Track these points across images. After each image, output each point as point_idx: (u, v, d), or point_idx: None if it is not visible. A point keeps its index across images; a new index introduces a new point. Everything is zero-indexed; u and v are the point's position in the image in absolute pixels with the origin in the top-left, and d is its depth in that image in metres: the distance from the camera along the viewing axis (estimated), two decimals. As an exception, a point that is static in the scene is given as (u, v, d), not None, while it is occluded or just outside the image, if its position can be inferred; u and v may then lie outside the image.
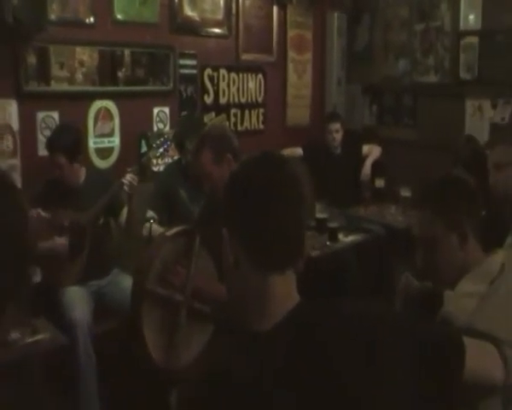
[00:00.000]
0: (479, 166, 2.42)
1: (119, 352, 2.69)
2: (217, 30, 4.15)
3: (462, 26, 4.53)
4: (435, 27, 4.69)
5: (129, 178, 2.80)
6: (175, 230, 2.09)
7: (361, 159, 4.26)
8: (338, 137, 4.24)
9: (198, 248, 1.97)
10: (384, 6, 4.95)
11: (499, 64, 4.34)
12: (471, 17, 4.50)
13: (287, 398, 0.92)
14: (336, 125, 4.24)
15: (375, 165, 4.25)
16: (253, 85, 4.40)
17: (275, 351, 0.96)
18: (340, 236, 3.36)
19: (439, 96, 4.58)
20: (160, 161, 3.79)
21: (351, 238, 3.40)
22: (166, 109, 3.91)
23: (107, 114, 3.60)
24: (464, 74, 4.53)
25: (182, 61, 3.95)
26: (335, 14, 4.97)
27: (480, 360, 1.20)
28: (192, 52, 4.00)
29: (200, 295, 1.95)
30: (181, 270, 1.99)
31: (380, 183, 4.05)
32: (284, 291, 1.00)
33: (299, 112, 4.77)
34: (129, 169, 2.88)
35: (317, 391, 0.93)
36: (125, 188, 2.81)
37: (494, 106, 4.40)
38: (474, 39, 4.47)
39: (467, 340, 1.17)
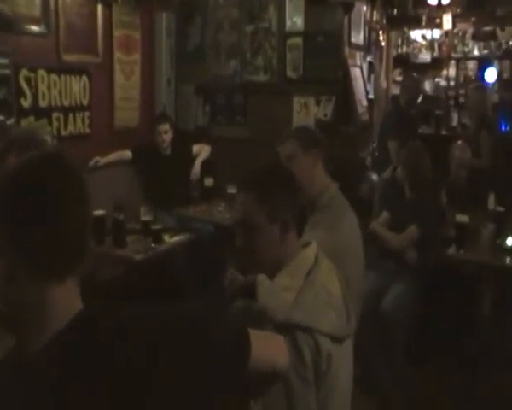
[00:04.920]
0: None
1: None
2: (33, 27, 3.84)
3: (287, 27, 4.73)
4: (263, 28, 4.85)
5: None
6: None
7: (191, 159, 4.26)
8: (167, 138, 4.18)
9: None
10: (214, 7, 5.01)
11: (321, 63, 4.61)
12: (295, 19, 4.72)
13: None
14: (165, 127, 4.18)
15: (204, 164, 4.27)
16: (76, 88, 4.17)
17: (50, 366, 0.89)
18: (166, 237, 3.31)
19: (268, 95, 4.74)
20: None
21: (176, 239, 3.37)
22: (-25, 114, 3.58)
23: None
24: (291, 73, 4.74)
25: (-9, 61, 3.63)
26: (163, 15, 4.92)
27: (266, 349, 1.21)
28: (4, 50, 3.67)
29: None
30: None
31: (209, 182, 4.08)
32: (65, 300, 0.93)
33: (127, 114, 4.62)
34: None
35: (98, 403, 0.88)
36: None
37: (318, 103, 4.65)
38: (299, 40, 4.70)
39: (253, 331, 1.17)
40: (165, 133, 4.18)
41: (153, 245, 3.21)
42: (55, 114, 4.02)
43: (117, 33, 4.52)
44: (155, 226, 3.24)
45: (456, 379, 3.03)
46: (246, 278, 2.69)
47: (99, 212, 3.16)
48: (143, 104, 4.79)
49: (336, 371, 1.42)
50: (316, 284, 1.46)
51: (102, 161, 4.12)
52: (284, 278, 1.49)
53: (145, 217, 3.32)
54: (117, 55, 4.51)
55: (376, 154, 4.95)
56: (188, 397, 1.01)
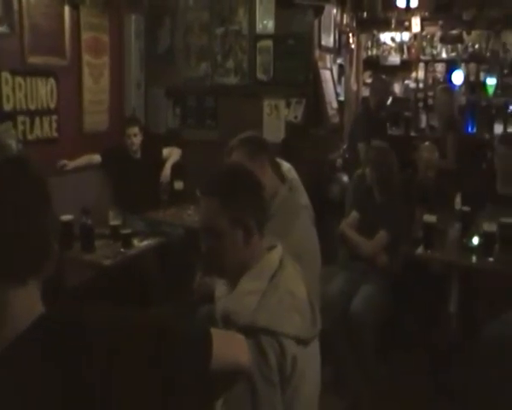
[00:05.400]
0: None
1: None
2: (-5, 27, 3.77)
3: (258, 30, 4.73)
4: (234, 31, 4.85)
5: None
6: None
7: (161, 162, 4.24)
8: (136, 141, 4.14)
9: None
10: (184, 9, 4.99)
11: (291, 66, 4.63)
12: (266, 22, 4.73)
13: None
14: (134, 130, 4.13)
15: (174, 167, 4.25)
16: (43, 91, 4.09)
17: (9, 368, 0.88)
18: (135, 241, 3.28)
19: (238, 97, 4.74)
20: None
21: (146, 243, 3.34)
22: None
23: None
24: (261, 76, 4.75)
25: (-50, 62, 3.52)
26: (133, 17, 4.87)
27: (227, 347, 1.22)
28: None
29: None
30: None
31: (179, 185, 4.04)
32: (26, 303, 0.92)
33: (97, 117, 4.55)
34: None
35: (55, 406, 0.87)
36: None
37: (288, 105, 4.67)
38: (269, 43, 4.71)
39: (214, 330, 1.18)
40: (135, 136, 4.13)
41: (122, 250, 3.17)
42: (20, 118, 3.92)
43: (85, 35, 4.45)
44: (124, 231, 3.20)
45: (426, 378, 3.07)
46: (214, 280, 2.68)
47: (67, 217, 3.12)
48: (113, 107, 4.72)
49: (302, 374, 1.43)
50: (280, 288, 1.46)
51: (71, 165, 4.06)
52: (248, 282, 1.48)
53: (114, 221, 3.28)
54: (85, 57, 4.45)
55: (346, 155, 4.99)
56: (152, 400, 1.00)
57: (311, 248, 2.13)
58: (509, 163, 3.34)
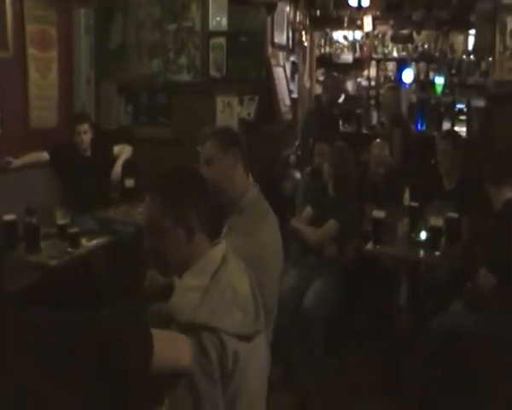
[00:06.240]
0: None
1: None
2: None
3: (211, 27, 4.70)
4: (187, 28, 4.79)
5: None
6: None
7: (112, 160, 4.15)
8: (86, 138, 4.03)
9: None
10: (136, 5, 4.90)
11: (244, 63, 4.62)
12: (218, 19, 4.69)
13: None
14: (84, 127, 4.02)
15: (126, 165, 4.17)
16: (-16, 85, 3.94)
17: None
18: (84, 241, 3.19)
19: (191, 94, 4.70)
20: None
21: (95, 242, 3.26)
22: None
23: None
24: (214, 73, 4.72)
25: None
26: (82, 10, 4.75)
27: (168, 349, 1.24)
28: None
29: None
30: None
31: (130, 183, 3.97)
32: None
33: (44, 113, 4.40)
34: None
35: None
36: None
37: (241, 102, 4.66)
38: (222, 40, 4.68)
39: (156, 332, 1.18)
40: (85, 133, 4.02)
41: (69, 249, 3.07)
42: (-40, 113, 3.77)
43: (30, 28, 4.27)
44: (72, 230, 3.11)
45: (376, 373, 3.12)
46: (165, 279, 2.66)
47: (10, 216, 3.02)
48: (62, 103, 4.57)
49: (245, 369, 1.42)
50: (222, 283, 1.46)
51: (16, 162, 3.92)
52: (190, 278, 1.48)
53: (61, 220, 3.19)
54: (31, 50, 4.27)
55: (299, 152, 5.03)
56: (95, 406, 0.99)
57: (275, 250, 2.13)
58: (452, 159, 3.44)
